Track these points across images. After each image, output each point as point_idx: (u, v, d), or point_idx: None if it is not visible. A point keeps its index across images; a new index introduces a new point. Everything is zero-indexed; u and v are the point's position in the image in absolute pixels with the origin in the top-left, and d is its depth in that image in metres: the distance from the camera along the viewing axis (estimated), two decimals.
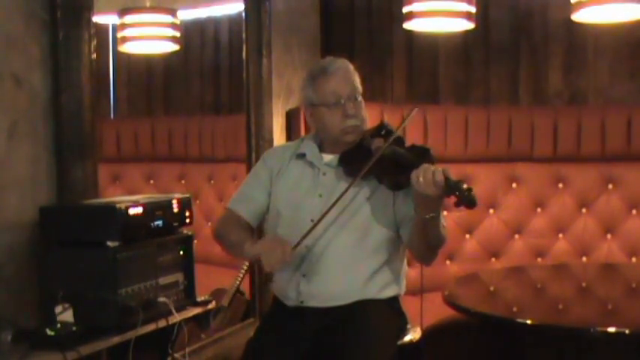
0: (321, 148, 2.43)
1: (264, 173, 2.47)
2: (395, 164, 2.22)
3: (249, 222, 2.45)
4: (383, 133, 2.33)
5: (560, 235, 3.76)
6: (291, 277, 2.34)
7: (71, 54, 2.40)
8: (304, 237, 2.23)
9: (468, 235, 3.78)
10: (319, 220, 2.24)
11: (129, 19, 3.64)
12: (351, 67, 2.41)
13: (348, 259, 2.32)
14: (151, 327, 2.31)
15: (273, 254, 2.17)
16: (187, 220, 2.53)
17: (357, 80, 2.39)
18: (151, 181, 4.13)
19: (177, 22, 3.72)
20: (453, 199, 2.07)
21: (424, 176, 2.06)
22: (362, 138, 2.35)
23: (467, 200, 2.04)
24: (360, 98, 2.37)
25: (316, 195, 2.35)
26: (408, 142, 2.36)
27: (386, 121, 2.39)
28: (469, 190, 2.05)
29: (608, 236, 3.73)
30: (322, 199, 2.34)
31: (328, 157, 2.40)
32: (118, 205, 2.22)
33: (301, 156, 2.44)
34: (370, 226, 2.33)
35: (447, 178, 2.06)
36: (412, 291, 2.61)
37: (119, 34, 3.67)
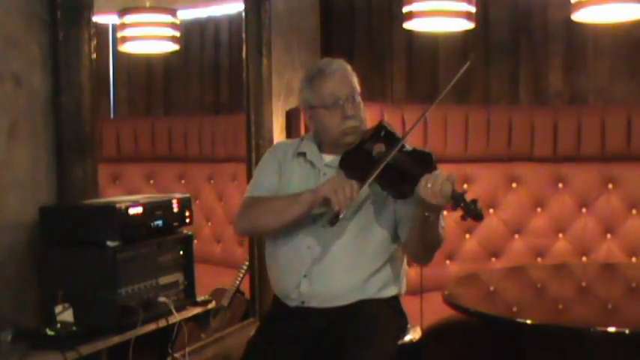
0: (321, 149, 2.43)
1: (274, 163, 2.46)
2: (399, 173, 2.21)
3: None
4: (382, 134, 2.33)
5: (560, 235, 3.76)
6: (293, 278, 2.34)
7: (71, 54, 2.40)
8: (365, 180, 2.19)
9: (468, 235, 3.78)
10: (374, 174, 2.20)
11: (129, 19, 3.64)
12: (349, 67, 2.40)
13: (349, 259, 2.31)
14: (151, 327, 2.31)
15: (342, 192, 2.15)
16: (187, 220, 2.53)
17: (355, 81, 2.38)
18: (151, 181, 4.13)
19: (177, 22, 3.72)
20: (459, 213, 2.08)
21: (433, 186, 2.07)
22: (362, 140, 2.34)
23: (473, 214, 2.07)
24: (358, 99, 2.37)
25: None
26: (407, 139, 2.35)
27: (385, 122, 2.38)
28: (474, 202, 2.07)
29: (608, 236, 3.72)
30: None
31: (328, 158, 2.40)
32: (117, 205, 2.22)
33: (301, 155, 2.44)
34: (371, 226, 2.33)
35: (453, 191, 2.07)
36: (412, 291, 2.61)
37: (119, 34, 3.67)
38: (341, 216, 2.16)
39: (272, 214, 2.34)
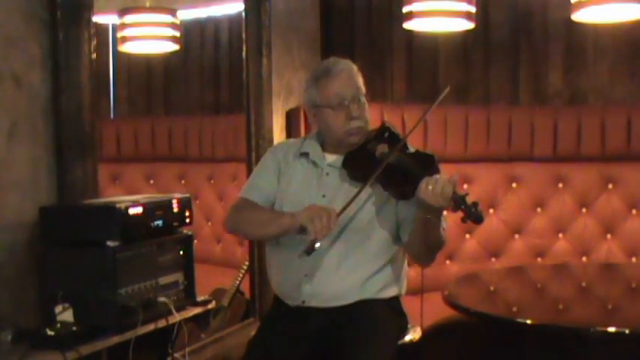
0: (324, 148, 2.43)
1: (274, 164, 2.46)
2: (401, 174, 2.22)
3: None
4: (386, 135, 2.33)
5: (560, 235, 3.76)
6: (294, 277, 2.34)
7: (71, 54, 2.40)
8: (346, 207, 2.20)
9: (468, 235, 3.78)
10: (356, 195, 2.22)
11: (129, 19, 3.64)
12: (355, 68, 2.40)
13: (350, 260, 2.31)
14: (151, 327, 2.31)
15: (320, 221, 2.14)
16: (187, 220, 2.53)
17: (360, 81, 2.39)
18: (151, 181, 4.13)
19: (177, 22, 3.73)
20: (459, 215, 2.08)
21: (433, 188, 2.07)
22: (365, 141, 2.34)
23: (474, 216, 2.08)
24: (363, 99, 2.37)
25: (320, 195, 2.35)
26: (409, 141, 2.35)
27: (388, 123, 2.38)
28: (475, 205, 2.07)
29: (608, 236, 3.72)
30: (325, 199, 2.33)
31: (331, 158, 2.40)
32: (118, 205, 2.22)
33: (304, 155, 2.44)
34: (373, 227, 2.33)
35: (454, 193, 2.07)
36: (412, 291, 2.61)
37: (119, 34, 3.67)
38: (317, 245, 2.15)
39: (255, 226, 2.38)
